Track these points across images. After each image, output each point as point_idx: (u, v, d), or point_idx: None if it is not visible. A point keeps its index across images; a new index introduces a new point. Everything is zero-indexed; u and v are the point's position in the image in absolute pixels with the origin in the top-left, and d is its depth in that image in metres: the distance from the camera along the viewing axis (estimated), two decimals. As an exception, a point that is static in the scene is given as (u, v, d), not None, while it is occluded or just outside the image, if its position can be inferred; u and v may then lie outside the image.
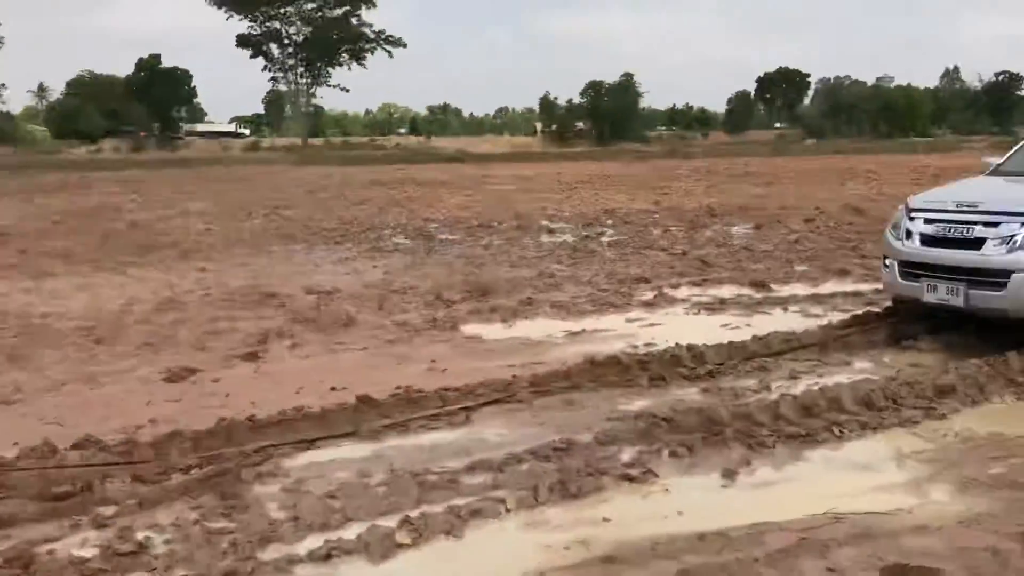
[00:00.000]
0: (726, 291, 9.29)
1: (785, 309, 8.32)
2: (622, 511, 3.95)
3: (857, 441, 4.77)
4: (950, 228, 6.48)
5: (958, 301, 6.32)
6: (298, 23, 78.61)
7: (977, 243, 6.25)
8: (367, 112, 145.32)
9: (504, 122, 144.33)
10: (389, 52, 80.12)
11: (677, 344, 6.58)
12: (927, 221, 6.69)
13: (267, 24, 78.46)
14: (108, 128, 75.38)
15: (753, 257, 11.65)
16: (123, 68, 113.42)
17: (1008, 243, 6.07)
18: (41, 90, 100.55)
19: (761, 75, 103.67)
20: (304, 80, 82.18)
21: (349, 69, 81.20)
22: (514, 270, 10.99)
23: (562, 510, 3.97)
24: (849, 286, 9.34)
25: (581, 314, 8.25)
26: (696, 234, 14.51)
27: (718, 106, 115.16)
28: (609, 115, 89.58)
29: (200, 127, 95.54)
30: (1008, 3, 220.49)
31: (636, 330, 7.58)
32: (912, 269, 6.71)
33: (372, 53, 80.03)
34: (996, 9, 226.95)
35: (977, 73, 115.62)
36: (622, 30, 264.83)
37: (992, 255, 6.13)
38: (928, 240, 6.63)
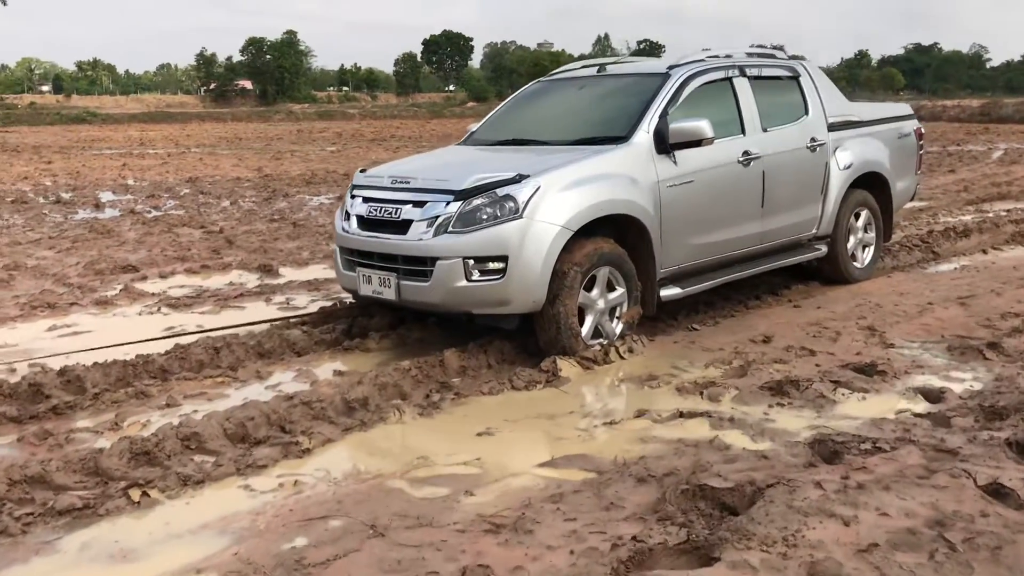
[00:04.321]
0: (223, 279, 7.92)
1: (268, 300, 7.10)
2: None
3: (160, 508, 3.52)
4: (381, 208, 5.46)
5: (391, 294, 5.32)
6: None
7: (404, 226, 5.29)
8: (3, 68, 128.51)
9: (164, 80, 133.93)
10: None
11: (47, 368, 5.12)
12: (364, 200, 5.64)
13: None
14: None
15: (295, 233, 10.41)
16: None
17: (433, 225, 5.15)
18: None
19: (427, 37, 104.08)
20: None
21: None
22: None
23: None
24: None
25: (-4, 322, 6.50)
26: (266, 206, 13.07)
27: (387, 67, 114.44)
28: (272, 73, 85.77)
29: None
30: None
31: (48, 343, 5.95)
32: (350, 256, 5.67)
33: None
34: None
35: (625, 40, 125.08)
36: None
37: (417, 240, 5.18)
38: (362, 223, 5.59)
